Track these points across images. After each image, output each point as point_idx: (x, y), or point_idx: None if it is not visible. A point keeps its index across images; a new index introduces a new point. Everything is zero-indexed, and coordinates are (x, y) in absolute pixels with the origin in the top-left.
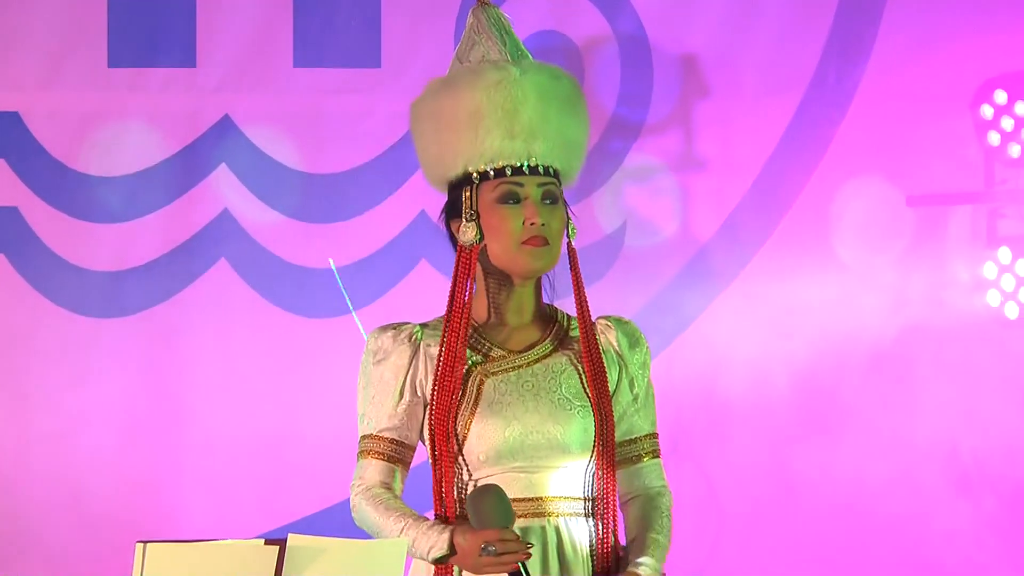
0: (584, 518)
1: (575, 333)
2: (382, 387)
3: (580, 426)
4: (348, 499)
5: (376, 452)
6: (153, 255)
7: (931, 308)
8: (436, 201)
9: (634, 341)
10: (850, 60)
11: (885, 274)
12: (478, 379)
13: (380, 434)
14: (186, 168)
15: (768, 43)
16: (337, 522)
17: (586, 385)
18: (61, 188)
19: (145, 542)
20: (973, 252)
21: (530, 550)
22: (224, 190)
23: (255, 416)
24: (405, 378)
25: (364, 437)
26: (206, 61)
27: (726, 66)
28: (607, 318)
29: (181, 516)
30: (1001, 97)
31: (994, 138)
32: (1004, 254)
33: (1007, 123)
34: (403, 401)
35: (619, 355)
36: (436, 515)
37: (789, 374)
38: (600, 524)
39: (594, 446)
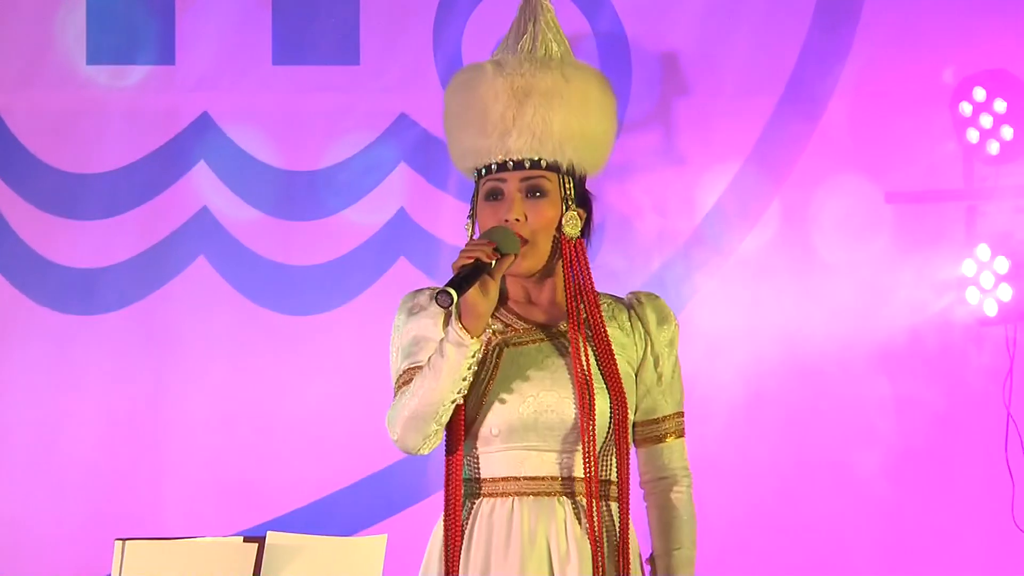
0: (603, 500)
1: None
2: (423, 331)
3: (596, 408)
4: (328, 495)
5: None
6: (132, 252)
7: (910, 305)
8: (414, 199)
9: (662, 318)
10: (829, 58)
11: (864, 271)
12: (497, 348)
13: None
14: (165, 165)
15: (747, 41)
16: (316, 519)
17: (601, 368)
18: (40, 185)
19: (124, 539)
20: (952, 249)
21: (486, 257)
22: (203, 187)
23: (235, 413)
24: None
25: (407, 370)
26: (185, 59)
27: (705, 64)
28: (636, 293)
29: (160, 513)
30: (980, 94)
31: (973, 135)
32: (983, 251)
33: (986, 120)
34: None
35: (646, 331)
36: (445, 497)
37: (768, 371)
38: (619, 509)
39: (610, 428)
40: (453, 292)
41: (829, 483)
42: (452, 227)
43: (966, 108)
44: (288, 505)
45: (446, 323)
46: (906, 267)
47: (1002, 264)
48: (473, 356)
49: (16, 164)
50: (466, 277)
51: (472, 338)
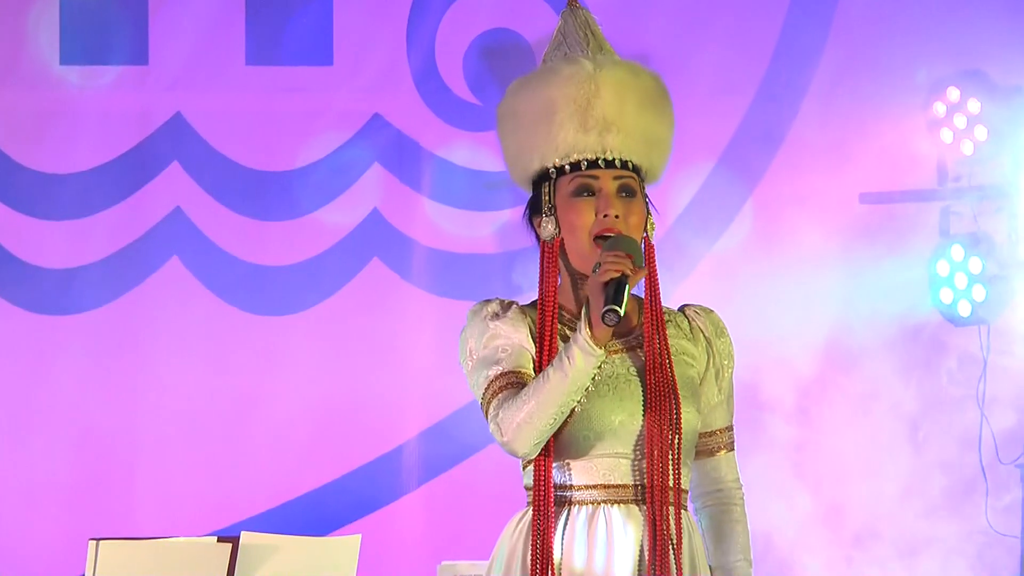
0: (684, 509)
1: (669, 328)
2: (506, 338)
3: (683, 418)
4: (302, 495)
5: (517, 385)
6: (105, 253)
7: (884, 305)
8: (388, 199)
9: (719, 331)
10: (802, 58)
11: (838, 272)
12: None
13: (519, 370)
14: (138, 166)
15: (720, 43)
16: (291, 519)
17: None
18: (13, 185)
19: (98, 540)
20: (925, 249)
21: (629, 270)
22: (176, 188)
23: (208, 413)
24: (528, 333)
25: (500, 375)
26: (158, 59)
27: (678, 66)
28: (691, 306)
29: (134, 513)
30: (954, 95)
31: (947, 135)
32: (956, 251)
33: (960, 120)
34: (532, 352)
35: (707, 344)
36: (535, 502)
37: (740, 374)
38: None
39: (692, 437)
40: (619, 309)
41: (800, 482)
42: (426, 227)
43: (940, 109)
44: (262, 505)
45: (533, 335)
46: (879, 267)
47: (976, 264)
48: (599, 367)
49: None
50: (618, 291)
51: (600, 349)
